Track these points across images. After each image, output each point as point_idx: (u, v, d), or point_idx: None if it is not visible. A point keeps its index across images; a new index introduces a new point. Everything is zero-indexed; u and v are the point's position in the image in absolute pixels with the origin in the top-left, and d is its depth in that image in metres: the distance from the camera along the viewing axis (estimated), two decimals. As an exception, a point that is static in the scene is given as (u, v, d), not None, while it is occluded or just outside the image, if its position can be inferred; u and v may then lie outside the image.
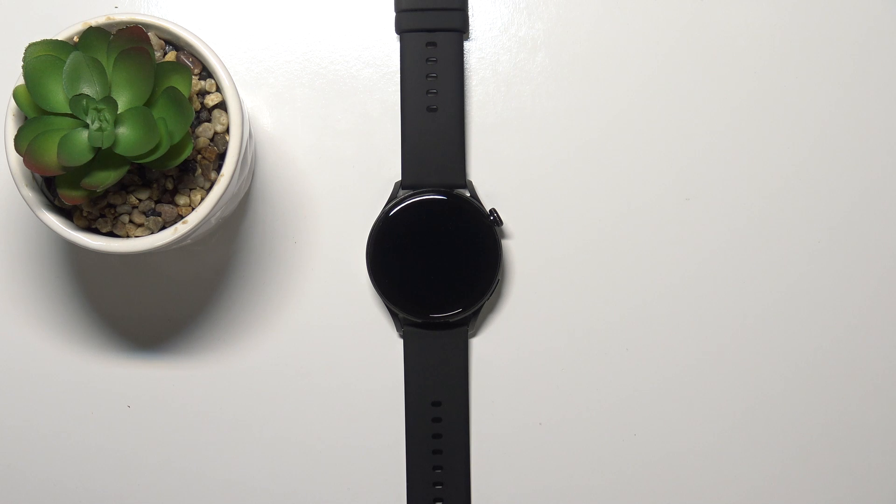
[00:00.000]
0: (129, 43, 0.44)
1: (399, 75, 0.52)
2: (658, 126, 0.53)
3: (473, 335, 0.53)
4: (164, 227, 0.46)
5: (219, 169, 0.46)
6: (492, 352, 0.53)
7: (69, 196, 0.44)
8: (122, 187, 0.46)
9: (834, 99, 0.53)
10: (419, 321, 0.51)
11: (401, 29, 0.52)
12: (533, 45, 0.53)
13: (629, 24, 0.53)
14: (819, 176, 0.53)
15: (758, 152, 0.53)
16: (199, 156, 0.46)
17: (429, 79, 0.52)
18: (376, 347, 0.53)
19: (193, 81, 0.46)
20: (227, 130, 0.46)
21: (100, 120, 0.43)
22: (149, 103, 0.44)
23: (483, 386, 0.53)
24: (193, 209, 0.46)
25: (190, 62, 0.47)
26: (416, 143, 0.52)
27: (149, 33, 0.45)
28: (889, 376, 0.53)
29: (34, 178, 0.46)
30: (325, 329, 0.53)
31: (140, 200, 0.46)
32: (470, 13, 0.53)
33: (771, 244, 0.53)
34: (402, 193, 0.52)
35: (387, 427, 0.53)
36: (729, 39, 0.53)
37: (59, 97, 0.43)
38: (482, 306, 0.52)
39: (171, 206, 0.46)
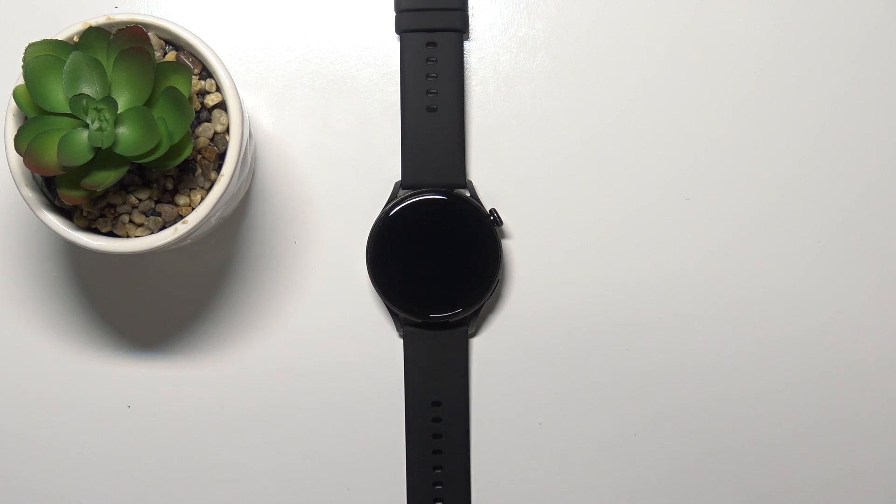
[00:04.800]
0: (129, 43, 0.44)
1: (399, 75, 0.52)
2: (658, 126, 0.53)
3: (473, 335, 0.53)
4: (164, 227, 0.46)
5: (219, 169, 0.46)
6: (492, 352, 0.53)
7: (69, 196, 0.44)
8: (122, 187, 0.46)
9: (834, 99, 0.53)
10: (419, 321, 0.51)
11: (401, 29, 0.52)
12: (533, 45, 0.53)
13: (629, 24, 0.53)
14: (820, 175, 0.53)
15: (758, 152, 0.53)
16: (199, 156, 0.46)
17: (429, 79, 0.52)
18: (376, 347, 0.53)
19: (193, 81, 0.46)
20: (227, 130, 0.46)
21: (100, 120, 0.43)
22: (149, 103, 0.44)
23: (483, 386, 0.53)
24: (193, 209, 0.46)
25: (190, 62, 0.47)
26: (416, 143, 0.52)
27: (149, 33, 0.45)
28: (890, 376, 0.53)
29: (34, 178, 0.46)
30: (325, 329, 0.53)
31: (140, 200, 0.46)
32: (470, 13, 0.53)
33: (771, 244, 0.53)
34: (402, 193, 0.52)
35: (387, 427, 0.53)
36: (729, 39, 0.53)
37: (59, 97, 0.43)
38: (482, 306, 0.52)
39: (171, 206, 0.46)
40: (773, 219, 0.53)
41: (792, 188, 0.53)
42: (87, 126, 0.43)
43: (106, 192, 0.46)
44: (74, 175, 0.43)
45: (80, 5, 0.53)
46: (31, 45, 0.44)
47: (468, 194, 0.52)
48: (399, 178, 0.52)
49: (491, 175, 0.53)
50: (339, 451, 0.53)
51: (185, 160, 0.45)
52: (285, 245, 0.53)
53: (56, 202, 0.46)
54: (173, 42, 0.47)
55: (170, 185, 0.46)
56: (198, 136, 0.46)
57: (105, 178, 0.43)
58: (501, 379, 0.53)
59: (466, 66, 0.53)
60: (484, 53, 0.53)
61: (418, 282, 0.51)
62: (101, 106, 0.43)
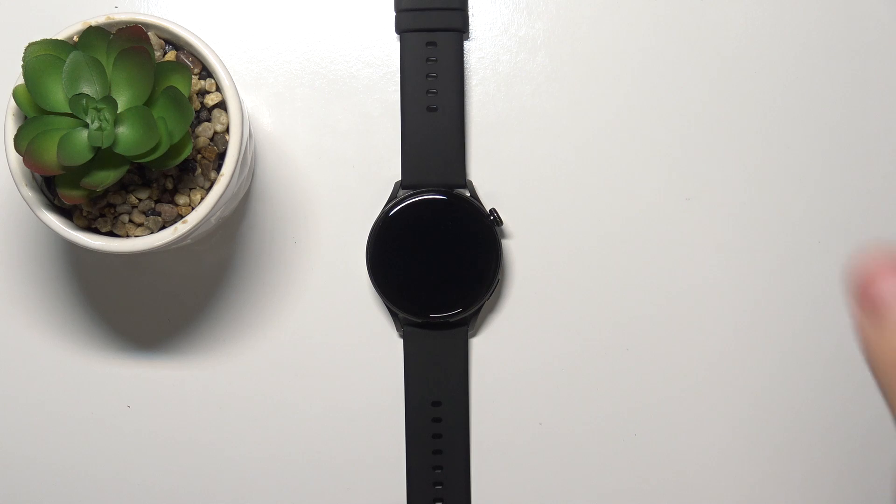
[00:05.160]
0: (129, 42, 0.44)
1: (399, 75, 0.52)
2: (658, 126, 0.53)
3: (473, 335, 0.53)
4: (163, 227, 0.46)
5: (219, 169, 0.46)
6: (492, 352, 0.53)
7: (69, 196, 0.44)
8: (122, 187, 0.46)
9: (835, 98, 0.53)
10: (419, 321, 0.51)
11: (401, 29, 0.52)
12: (533, 45, 0.53)
13: (629, 24, 0.53)
14: (820, 175, 0.53)
15: (758, 152, 0.53)
16: (199, 155, 0.46)
17: (429, 79, 0.52)
18: (376, 347, 0.53)
19: (193, 81, 0.46)
20: (227, 130, 0.46)
21: (100, 119, 0.43)
22: (149, 103, 0.44)
23: (483, 386, 0.53)
24: (193, 209, 0.46)
25: (190, 62, 0.47)
26: (416, 143, 0.52)
27: (149, 33, 0.45)
28: (889, 376, 0.53)
29: (34, 177, 0.46)
30: (325, 329, 0.53)
31: (140, 200, 0.46)
32: (470, 13, 0.53)
33: (771, 244, 0.53)
34: (402, 193, 0.52)
35: (387, 427, 0.53)
36: (730, 39, 0.53)
37: (58, 97, 0.43)
38: (482, 306, 0.52)
39: (171, 205, 0.46)
40: (774, 218, 0.53)
41: (792, 187, 0.53)
42: (86, 126, 0.43)
43: (106, 192, 0.46)
44: (74, 175, 0.43)
45: (80, 5, 0.53)
46: (30, 45, 0.44)
47: (468, 194, 0.52)
48: (399, 178, 0.52)
49: (491, 175, 0.53)
50: (339, 451, 0.53)
51: (185, 160, 0.45)
52: (285, 245, 0.53)
53: (56, 202, 0.46)
54: (173, 42, 0.47)
55: (170, 185, 0.46)
56: (198, 136, 0.46)
57: (105, 178, 0.43)
58: (501, 379, 0.53)
59: (466, 66, 0.53)
60: (484, 53, 0.53)
61: (418, 282, 0.51)
62: (100, 105, 0.43)
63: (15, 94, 0.44)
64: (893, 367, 0.31)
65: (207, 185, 0.46)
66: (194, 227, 0.45)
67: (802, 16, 0.53)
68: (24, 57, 0.43)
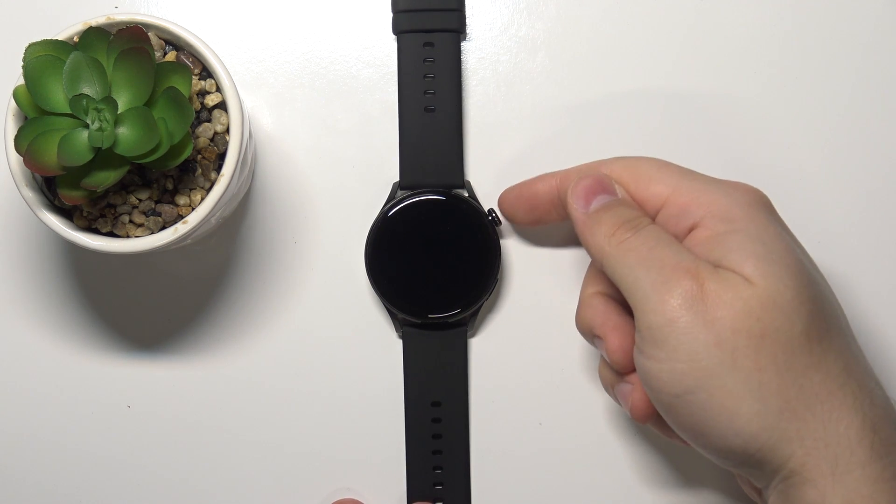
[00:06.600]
0: (129, 43, 0.44)
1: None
2: (658, 126, 0.53)
3: (473, 335, 0.53)
4: (164, 227, 0.46)
5: (219, 169, 0.46)
6: (492, 352, 0.53)
7: (69, 196, 0.44)
8: (122, 187, 0.46)
9: (835, 98, 0.53)
10: (418, 322, 0.51)
11: (398, 30, 0.52)
12: (533, 45, 0.53)
13: (629, 24, 0.53)
14: (819, 175, 0.53)
15: (757, 153, 0.53)
16: (199, 156, 0.46)
17: (426, 79, 0.52)
18: (376, 347, 0.53)
19: (193, 81, 0.46)
20: (227, 130, 0.46)
21: (100, 120, 0.43)
22: (149, 103, 0.44)
23: (483, 386, 0.53)
24: (193, 209, 0.46)
25: (190, 62, 0.47)
26: (414, 143, 0.52)
27: (149, 33, 0.45)
28: (891, 377, 0.53)
29: (34, 178, 0.46)
30: (325, 329, 0.53)
31: (140, 200, 0.46)
32: (469, 13, 0.53)
33: (770, 244, 0.53)
34: (400, 194, 0.52)
35: (387, 427, 0.53)
36: (730, 39, 0.53)
37: (59, 97, 0.43)
38: (481, 306, 0.52)
39: (171, 206, 0.46)
40: (773, 219, 0.53)
41: (791, 188, 0.53)
42: (87, 126, 0.43)
43: (106, 192, 0.46)
44: (74, 175, 0.43)
45: (80, 5, 0.53)
46: (31, 45, 0.44)
47: (466, 194, 0.52)
48: (398, 179, 0.52)
49: (490, 175, 0.53)
50: (338, 451, 0.53)
51: (185, 160, 0.45)
52: (285, 245, 0.53)
53: (56, 202, 0.46)
54: (173, 42, 0.47)
55: (170, 186, 0.46)
56: (198, 136, 0.46)
57: (105, 179, 0.43)
58: (501, 379, 0.53)
59: (466, 66, 0.53)
60: (484, 53, 0.53)
61: (417, 282, 0.51)
62: (101, 106, 0.43)
63: (15, 95, 0.44)
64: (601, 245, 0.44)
65: (208, 185, 0.46)
66: (194, 227, 0.45)
67: (804, 16, 0.53)
68: (24, 57, 0.43)
